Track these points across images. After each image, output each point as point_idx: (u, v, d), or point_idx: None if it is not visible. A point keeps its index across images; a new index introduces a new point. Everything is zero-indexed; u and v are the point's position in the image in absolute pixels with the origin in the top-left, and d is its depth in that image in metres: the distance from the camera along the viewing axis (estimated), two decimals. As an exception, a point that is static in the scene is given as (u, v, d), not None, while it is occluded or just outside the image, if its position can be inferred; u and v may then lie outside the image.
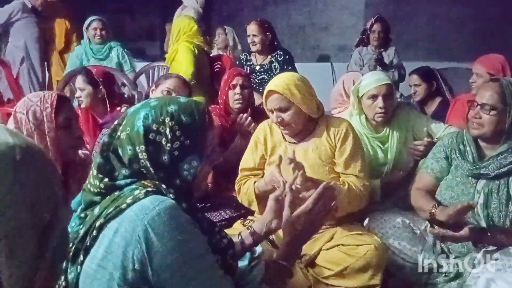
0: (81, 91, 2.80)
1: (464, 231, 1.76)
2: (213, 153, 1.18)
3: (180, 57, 3.56)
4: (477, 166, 1.91)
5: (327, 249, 1.96)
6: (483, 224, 1.87)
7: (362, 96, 2.36)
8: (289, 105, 1.98)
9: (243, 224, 2.09)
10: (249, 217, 2.17)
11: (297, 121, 2.02)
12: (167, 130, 1.08)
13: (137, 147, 1.07)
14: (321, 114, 2.11)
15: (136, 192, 1.03)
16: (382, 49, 4.36)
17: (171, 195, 1.06)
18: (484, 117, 1.88)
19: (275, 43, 3.68)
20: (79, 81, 2.83)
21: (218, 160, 1.23)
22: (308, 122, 2.08)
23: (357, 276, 1.88)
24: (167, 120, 1.08)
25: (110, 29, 4.20)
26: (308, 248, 1.94)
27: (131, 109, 1.14)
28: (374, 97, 2.31)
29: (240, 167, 2.18)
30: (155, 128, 1.08)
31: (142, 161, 1.07)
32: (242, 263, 1.35)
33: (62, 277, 1.04)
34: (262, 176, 2.10)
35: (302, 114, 2.02)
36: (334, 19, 6.73)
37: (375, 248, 1.87)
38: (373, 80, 2.32)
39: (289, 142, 2.10)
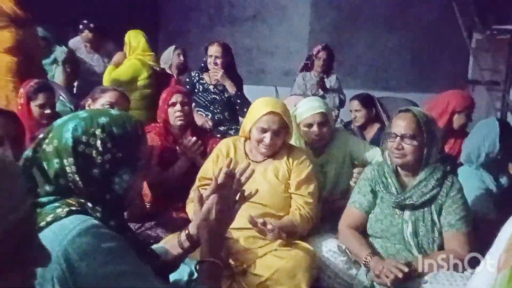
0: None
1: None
2: (145, 168, 1.14)
3: (121, 67, 3.69)
4: (401, 198, 1.98)
5: (261, 256, 1.96)
6: (415, 252, 1.94)
7: (299, 123, 2.41)
8: (285, 128, 2.11)
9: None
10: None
11: (280, 143, 2.14)
12: (98, 142, 1.03)
13: (65, 160, 1.01)
14: None
15: (58, 210, 0.97)
16: (324, 75, 4.49)
17: (98, 214, 1.01)
18: (406, 147, 1.96)
19: (232, 66, 3.64)
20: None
21: (150, 175, 1.18)
22: None
23: (286, 281, 1.87)
24: (98, 131, 1.03)
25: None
26: (244, 258, 1.96)
27: (58, 122, 1.07)
28: (309, 125, 2.38)
29: (198, 175, 2.19)
30: (85, 140, 1.02)
31: (70, 175, 1.01)
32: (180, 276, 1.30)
33: None
34: None
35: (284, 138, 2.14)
36: (279, 44, 6.88)
37: (307, 252, 1.96)
38: (307, 109, 2.39)
39: (252, 161, 2.13)
